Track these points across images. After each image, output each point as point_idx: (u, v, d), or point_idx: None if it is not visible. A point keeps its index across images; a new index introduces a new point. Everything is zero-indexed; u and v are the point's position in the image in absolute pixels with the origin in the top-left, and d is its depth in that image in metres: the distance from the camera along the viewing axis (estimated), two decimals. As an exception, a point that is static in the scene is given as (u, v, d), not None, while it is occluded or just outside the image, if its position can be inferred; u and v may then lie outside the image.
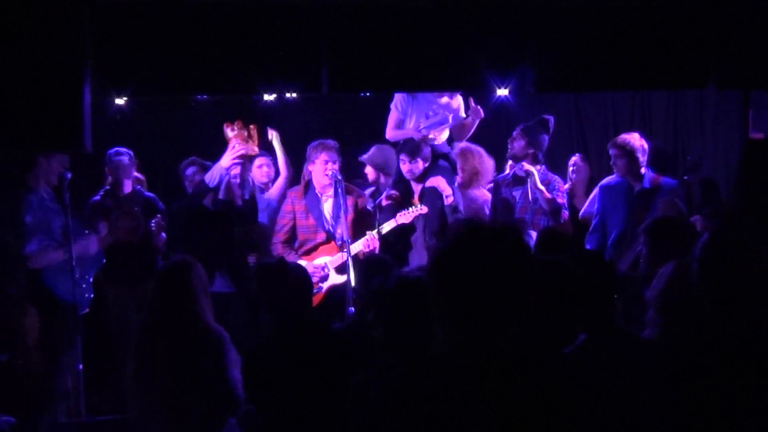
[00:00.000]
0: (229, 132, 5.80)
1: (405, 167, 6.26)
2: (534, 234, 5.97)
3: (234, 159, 5.76)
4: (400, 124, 6.59)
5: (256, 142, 5.89)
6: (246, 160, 5.92)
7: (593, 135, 8.50)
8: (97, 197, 6.26)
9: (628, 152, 5.85)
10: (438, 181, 6.26)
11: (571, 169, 7.18)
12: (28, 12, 4.39)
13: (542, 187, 6.08)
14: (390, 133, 6.63)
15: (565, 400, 1.83)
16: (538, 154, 6.31)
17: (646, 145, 5.92)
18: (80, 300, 5.57)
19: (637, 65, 5.16)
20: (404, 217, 5.93)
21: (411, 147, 6.27)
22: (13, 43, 4.36)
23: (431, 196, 6.21)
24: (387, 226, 5.93)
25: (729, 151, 7.69)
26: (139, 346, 4.18)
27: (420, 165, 6.24)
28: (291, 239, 6.00)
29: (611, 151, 5.95)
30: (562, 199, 6.20)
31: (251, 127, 5.85)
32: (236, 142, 5.76)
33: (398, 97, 6.59)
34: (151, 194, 6.48)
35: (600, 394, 1.89)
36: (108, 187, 6.34)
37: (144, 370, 4.13)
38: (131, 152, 6.33)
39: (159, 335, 4.08)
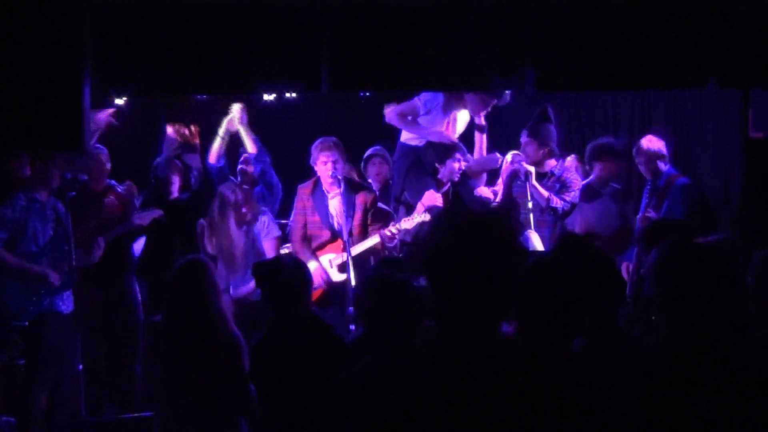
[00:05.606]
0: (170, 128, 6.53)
1: (457, 166, 6.22)
2: (535, 233, 5.98)
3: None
4: (413, 115, 6.36)
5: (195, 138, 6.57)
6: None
7: (593, 135, 8.48)
8: (73, 193, 6.25)
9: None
10: (484, 191, 6.25)
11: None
12: (28, 12, 4.38)
13: (536, 184, 6.15)
14: (390, 115, 6.41)
15: (558, 398, 1.82)
16: (552, 149, 6.30)
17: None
18: (22, 312, 5.49)
19: (637, 65, 5.16)
20: (407, 222, 5.84)
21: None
22: (13, 42, 4.36)
23: (479, 204, 6.21)
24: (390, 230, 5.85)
25: (729, 151, 7.68)
26: (156, 345, 4.26)
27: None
28: (306, 236, 5.97)
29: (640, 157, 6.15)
30: (559, 203, 6.21)
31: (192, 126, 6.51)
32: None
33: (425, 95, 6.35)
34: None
35: (593, 395, 1.88)
36: (81, 182, 6.34)
37: (164, 369, 4.22)
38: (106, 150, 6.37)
39: (179, 335, 4.16)
